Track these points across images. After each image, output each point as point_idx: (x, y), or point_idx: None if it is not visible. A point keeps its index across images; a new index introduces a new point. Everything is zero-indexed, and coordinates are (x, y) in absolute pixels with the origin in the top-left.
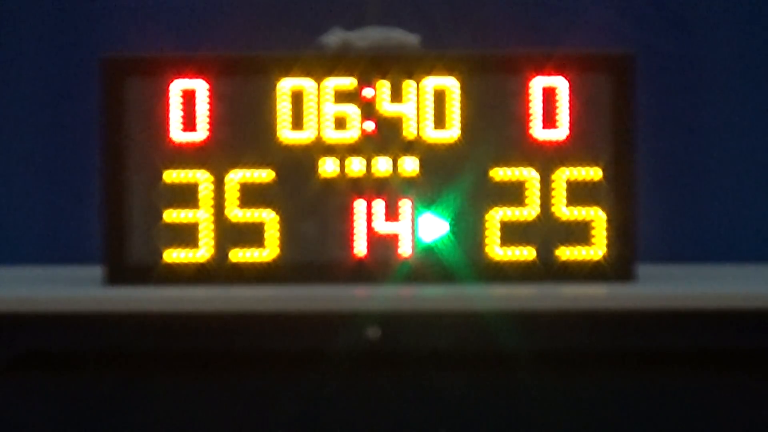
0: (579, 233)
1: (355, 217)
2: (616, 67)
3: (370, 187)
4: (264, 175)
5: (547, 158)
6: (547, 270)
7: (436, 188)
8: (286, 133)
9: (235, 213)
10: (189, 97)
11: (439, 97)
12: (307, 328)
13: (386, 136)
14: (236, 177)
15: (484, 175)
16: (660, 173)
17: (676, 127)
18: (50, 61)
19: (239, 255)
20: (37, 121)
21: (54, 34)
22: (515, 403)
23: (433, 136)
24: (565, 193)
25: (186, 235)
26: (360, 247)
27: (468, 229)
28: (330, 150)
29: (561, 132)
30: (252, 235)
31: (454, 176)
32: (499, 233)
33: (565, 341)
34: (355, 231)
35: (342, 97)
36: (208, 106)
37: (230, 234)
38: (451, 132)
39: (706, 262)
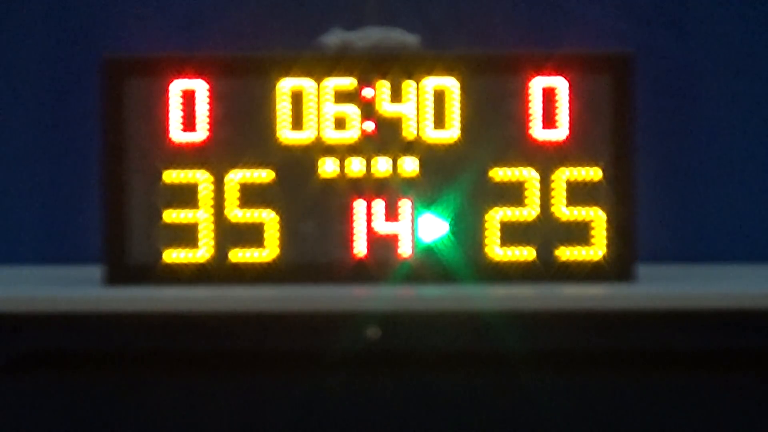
0: (579, 233)
1: (355, 217)
2: (616, 67)
3: (370, 187)
4: (264, 175)
5: (547, 158)
6: (547, 270)
7: (436, 188)
8: (286, 133)
9: (235, 213)
10: (189, 97)
11: (439, 97)
12: (307, 328)
13: (386, 136)
14: (236, 177)
15: (484, 175)
16: (660, 173)
17: (676, 127)
18: (51, 61)
19: (239, 255)
20: (37, 120)
21: (55, 34)
22: (515, 403)
23: (433, 136)
24: (565, 193)
25: (186, 235)
26: (360, 247)
27: (468, 229)
28: (330, 150)
29: (561, 132)
30: (252, 235)
31: (454, 176)
32: (499, 233)
33: (565, 341)
34: (355, 231)
35: (342, 97)
36: (208, 106)
37: (230, 234)
38: (451, 132)
39: (706, 262)
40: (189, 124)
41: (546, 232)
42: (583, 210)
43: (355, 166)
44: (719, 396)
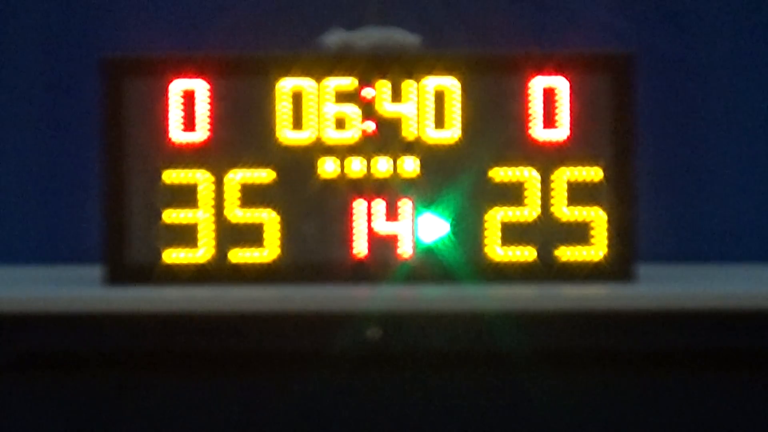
0: (579, 233)
1: (355, 217)
2: (616, 67)
3: (370, 187)
4: (264, 175)
5: (547, 158)
6: (547, 270)
7: (436, 188)
8: (286, 133)
9: (235, 213)
10: (189, 97)
11: (440, 97)
12: (307, 328)
13: (386, 136)
14: (236, 177)
15: (484, 175)
16: (660, 173)
17: (676, 127)
18: (50, 61)
19: (239, 255)
20: (37, 120)
21: (54, 34)
22: (515, 403)
23: (433, 136)
24: (565, 194)
25: (186, 235)
26: (360, 247)
27: (468, 229)
28: (330, 150)
29: (561, 132)
30: (252, 235)
31: (454, 176)
32: (499, 233)
33: (565, 341)
34: (355, 231)
35: (342, 97)
36: (208, 106)
37: (230, 234)
38: (452, 132)
39: (706, 262)
40: (189, 124)
41: (546, 232)
42: (583, 210)
43: (356, 166)
44: (719, 396)
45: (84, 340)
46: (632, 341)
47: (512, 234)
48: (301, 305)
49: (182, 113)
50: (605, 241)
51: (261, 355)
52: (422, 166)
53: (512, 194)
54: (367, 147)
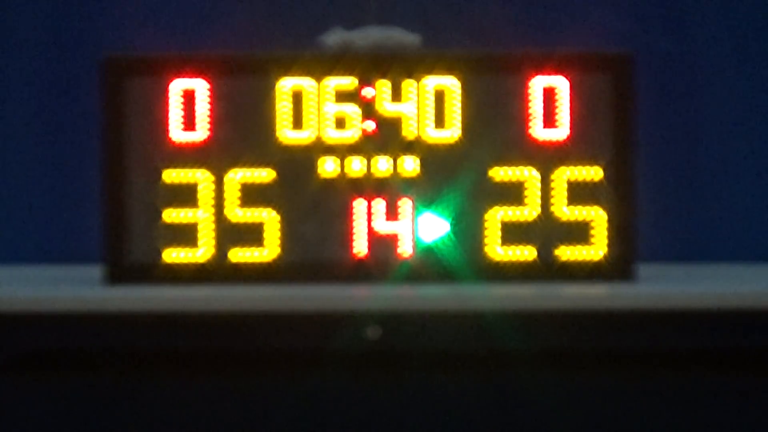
0: (579, 233)
1: (355, 217)
2: (616, 67)
3: (370, 187)
4: (264, 175)
5: (547, 158)
6: (547, 270)
7: (436, 188)
8: (286, 133)
9: (235, 212)
10: (189, 97)
11: (440, 97)
12: (307, 328)
13: (387, 136)
14: (236, 177)
15: (484, 175)
16: (660, 173)
17: (676, 127)
18: (50, 61)
19: (239, 255)
20: (37, 121)
21: (54, 34)
22: (515, 403)
23: (433, 135)
24: (565, 193)
25: (186, 235)
26: (360, 247)
27: (468, 229)
28: (330, 150)
29: (561, 132)
30: (252, 235)
31: (454, 176)
32: (499, 233)
33: (565, 341)
34: (355, 231)
35: (342, 96)
36: (208, 106)
37: (230, 234)
38: (452, 132)
39: (706, 262)
40: (189, 124)
41: (546, 231)
42: (583, 210)
43: (356, 166)
44: (719, 396)
45: (84, 339)
46: (632, 341)
47: (512, 234)
48: (301, 305)
49: (182, 113)
50: (605, 241)
51: (261, 355)
52: (422, 166)
53: (512, 194)
54: (367, 146)
